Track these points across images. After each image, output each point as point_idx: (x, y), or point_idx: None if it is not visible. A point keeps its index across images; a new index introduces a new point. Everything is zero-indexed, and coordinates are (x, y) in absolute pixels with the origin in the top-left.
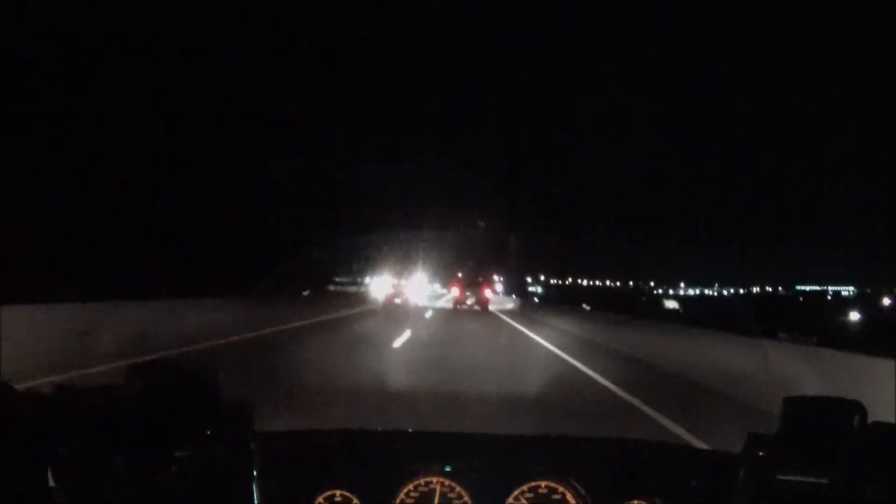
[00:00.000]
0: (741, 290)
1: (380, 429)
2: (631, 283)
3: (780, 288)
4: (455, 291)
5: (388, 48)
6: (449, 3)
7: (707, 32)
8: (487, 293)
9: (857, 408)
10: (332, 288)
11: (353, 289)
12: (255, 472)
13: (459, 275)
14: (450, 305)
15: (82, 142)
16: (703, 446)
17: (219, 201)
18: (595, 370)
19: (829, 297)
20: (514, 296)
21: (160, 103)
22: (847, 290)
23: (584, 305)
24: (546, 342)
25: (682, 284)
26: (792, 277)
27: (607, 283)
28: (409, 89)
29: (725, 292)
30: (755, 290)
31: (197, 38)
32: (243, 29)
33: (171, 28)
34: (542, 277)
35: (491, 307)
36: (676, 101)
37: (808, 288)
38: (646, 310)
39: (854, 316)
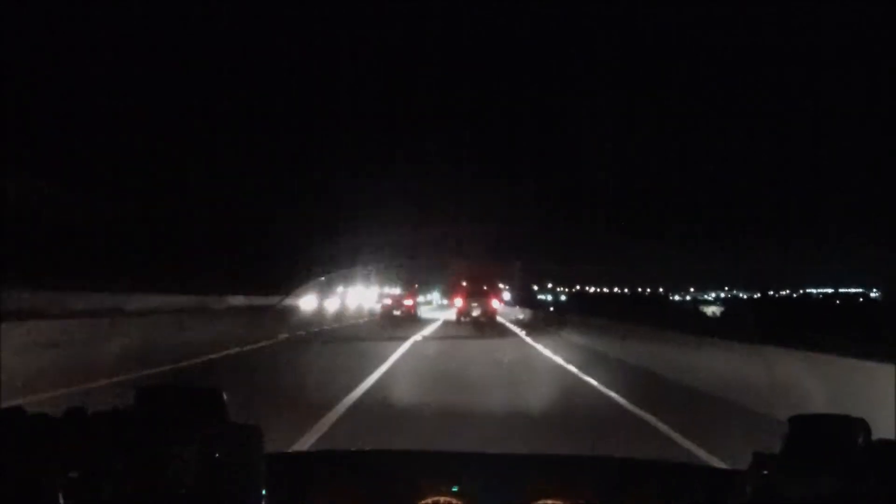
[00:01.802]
0: (756, 294)
1: (387, 449)
2: (640, 289)
3: (801, 290)
4: (458, 303)
5: (388, 48)
6: (449, 3)
7: (707, 32)
8: (494, 303)
9: (862, 425)
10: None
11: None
12: (263, 493)
13: (463, 283)
14: (453, 318)
15: (80, 140)
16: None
17: (218, 202)
18: None
19: (860, 301)
20: (521, 306)
21: (160, 103)
22: (874, 292)
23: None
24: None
25: (691, 289)
26: (797, 278)
27: (615, 290)
28: (408, 89)
29: (743, 296)
30: (770, 293)
31: (197, 39)
32: (243, 29)
33: (171, 28)
34: (550, 285)
35: (502, 320)
36: (676, 98)
37: (826, 290)
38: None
39: None
